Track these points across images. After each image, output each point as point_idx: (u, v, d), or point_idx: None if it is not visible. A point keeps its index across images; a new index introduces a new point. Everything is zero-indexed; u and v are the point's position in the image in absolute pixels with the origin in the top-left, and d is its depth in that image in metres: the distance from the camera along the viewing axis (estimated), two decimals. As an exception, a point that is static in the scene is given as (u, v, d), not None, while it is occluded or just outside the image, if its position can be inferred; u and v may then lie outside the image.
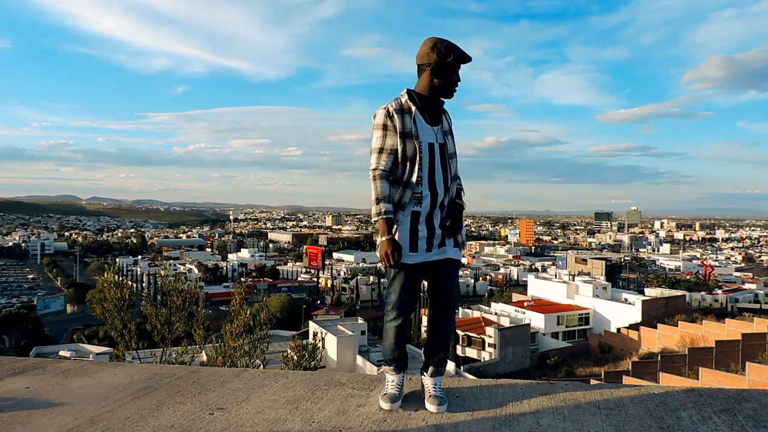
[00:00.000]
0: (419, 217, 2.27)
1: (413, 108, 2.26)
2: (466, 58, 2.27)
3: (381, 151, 2.23)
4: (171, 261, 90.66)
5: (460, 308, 49.46)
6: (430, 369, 2.36)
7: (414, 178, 2.23)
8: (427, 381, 2.36)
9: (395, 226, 2.23)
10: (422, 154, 2.23)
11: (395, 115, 2.23)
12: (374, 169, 2.23)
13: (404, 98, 2.29)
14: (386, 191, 2.21)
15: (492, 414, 2.22)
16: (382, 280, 70.14)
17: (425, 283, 2.45)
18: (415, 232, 2.26)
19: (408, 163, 2.23)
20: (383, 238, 2.19)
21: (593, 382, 23.01)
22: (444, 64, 2.23)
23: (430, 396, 2.30)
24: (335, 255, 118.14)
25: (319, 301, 69.37)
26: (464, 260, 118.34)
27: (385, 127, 2.23)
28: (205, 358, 9.11)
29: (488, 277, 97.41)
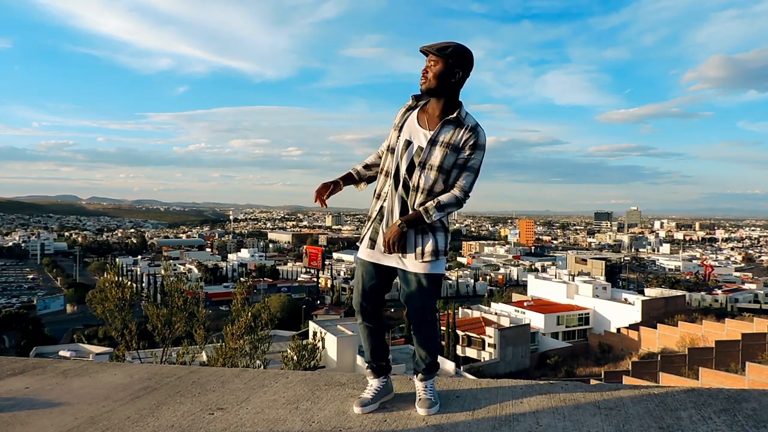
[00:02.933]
0: (383, 212, 2.29)
1: (415, 105, 2.34)
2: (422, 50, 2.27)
3: (366, 142, 2.40)
4: (171, 261, 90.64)
5: (460, 308, 49.47)
6: (419, 374, 2.36)
7: (386, 167, 2.32)
8: (417, 384, 2.36)
9: (351, 178, 2.44)
10: (396, 148, 2.29)
11: (402, 111, 2.36)
12: None
13: (415, 96, 2.36)
14: (367, 160, 2.47)
15: (492, 414, 2.22)
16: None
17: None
18: (377, 228, 2.30)
19: (387, 153, 2.34)
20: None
21: (593, 382, 23.01)
22: None
23: (419, 399, 2.29)
24: (335, 255, 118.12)
25: (319, 301, 69.38)
26: (464, 260, 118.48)
27: (395, 119, 2.38)
28: (205, 358, 9.11)
29: (488, 277, 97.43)
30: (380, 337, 2.43)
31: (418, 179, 2.21)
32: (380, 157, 2.42)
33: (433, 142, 2.20)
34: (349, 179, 2.42)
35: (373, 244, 2.30)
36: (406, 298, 2.29)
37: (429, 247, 2.22)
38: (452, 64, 2.19)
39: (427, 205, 2.18)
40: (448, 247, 2.32)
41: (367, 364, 2.42)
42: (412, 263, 2.23)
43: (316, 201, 2.32)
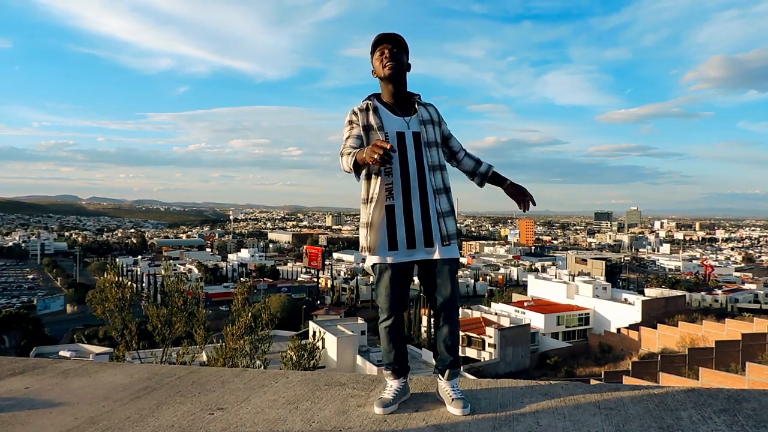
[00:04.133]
0: (394, 212, 2.25)
1: (375, 104, 2.34)
2: (376, 38, 2.31)
3: (347, 138, 2.29)
4: (171, 261, 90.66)
5: (461, 308, 49.41)
6: (446, 372, 2.31)
7: (382, 168, 2.25)
8: (444, 384, 2.31)
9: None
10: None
11: (359, 113, 2.33)
12: (340, 152, 2.25)
13: (366, 101, 2.37)
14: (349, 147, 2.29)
15: (492, 414, 2.22)
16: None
17: (418, 281, 2.42)
18: (393, 229, 2.25)
19: None
20: (363, 151, 2.06)
21: (593, 382, 23.00)
22: (371, 57, 2.36)
23: (453, 399, 2.24)
24: (335, 255, 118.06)
25: (319, 301, 69.35)
26: (464, 260, 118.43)
27: (351, 122, 2.33)
28: (205, 358, 9.11)
29: (488, 277, 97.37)
30: (403, 339, 2.42)
31: (431, 159, 2.30)
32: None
33: (423, 123, 2.32)
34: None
35: (395, 245, 2.25)
36: (435, 288, 2.28)
37: (451, 230, 2.30)
38: (408, 53, 2.36)
39: (485, 165, 2.49)
40: (459, 232, 2.43)
41: (388, 366, 2.38)
42: (443, 249, 2.26)
43: (388, 151, 1.93)
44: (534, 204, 2.41)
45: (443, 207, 2.29)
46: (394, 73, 2.27)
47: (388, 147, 1.93)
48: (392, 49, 2.28)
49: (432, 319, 2.39)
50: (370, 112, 2.30)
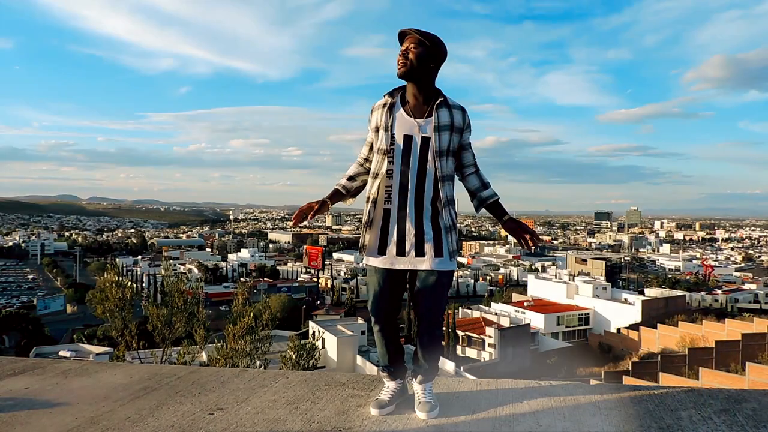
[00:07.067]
0: (389, 216, 2.21)
1: (394, 100, 2.26)
2: (397, 35, 2.24)
3: (364, 145, 2.38)
4: (171, 261, 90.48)
5: (460, 308, 49.40)
6: (418, 377, 2.31)
7: (383, 170, 2.21)
8: (416, 386, 2.31)
9: (339, 194, 2.34)
10: (393, 147, 2.20)
11: (375, 110, 2.28)
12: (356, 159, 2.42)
13: (387, 95, 2.29)
14: (350, 171, 2.38)
15: (492, 414, 2.22)
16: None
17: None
18: (386, 233, 2.21)
19: (380, 156, 2.23)
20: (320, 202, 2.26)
21: (593, 382, 22.99)
22: None
23: (419, 402, 2.24)
24: (335, 255, 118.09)
25: (319, 301, 69.30)
26: (464, 260, 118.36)
27: (369, 122, 2.33)
28: (205, 358, 9.11)
29: (488, 277, 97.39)
30: (397, 341, 2.39)
31: (437, 168, 2.18)
32: (362, 165, 2.36)
33: (438, 129, 2.18)
34: (336, 196, 2.32)
35: (384, 249, 2.22)
36: (418, 300, 2.23)
37: (447, 245, 2.20)
38: (432, 50, 2.18)
39: (489, 191, 2.29)
40: (459, 247, 2.32)
41: (383, 368, 2.37)
42: (433, 261, 2.17)
43: (294, 220, 2.18)
44: (539, 242, 2.24)
45: (444, 221, 2.21)
46: (406, 72, 2.18)
47: (295, 220, 2.17)
48: (408, 46, 2.18)
49: (416, 329, 2.34)
50: (386, 109, 2.24)
